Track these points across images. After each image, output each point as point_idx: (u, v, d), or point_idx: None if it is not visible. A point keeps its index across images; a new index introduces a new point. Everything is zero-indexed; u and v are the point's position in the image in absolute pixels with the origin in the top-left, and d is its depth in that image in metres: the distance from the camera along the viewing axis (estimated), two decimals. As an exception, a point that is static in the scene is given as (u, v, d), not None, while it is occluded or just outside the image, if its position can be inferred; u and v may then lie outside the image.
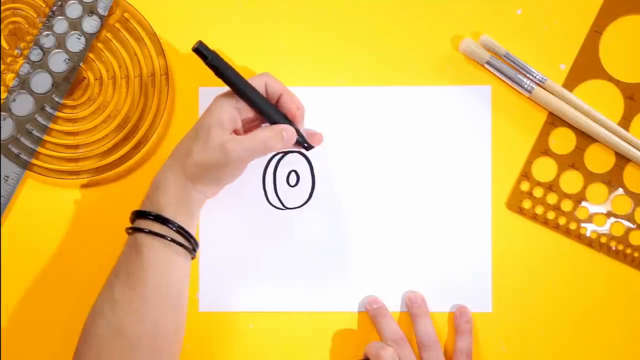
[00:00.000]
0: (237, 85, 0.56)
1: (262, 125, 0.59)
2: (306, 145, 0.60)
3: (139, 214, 0.56)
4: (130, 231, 0.56)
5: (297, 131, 0.58)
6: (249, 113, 0.57)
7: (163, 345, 0.54)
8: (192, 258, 0.58)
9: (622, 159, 0.63)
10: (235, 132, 0.57)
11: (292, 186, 0.63)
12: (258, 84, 0.57)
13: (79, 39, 0.62)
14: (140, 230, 0.55)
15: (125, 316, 0.53)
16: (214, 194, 0.59)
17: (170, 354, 0.55)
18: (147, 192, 0.57)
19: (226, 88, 0.57)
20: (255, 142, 0.55)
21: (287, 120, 0.58)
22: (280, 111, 0.58)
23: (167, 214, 0.55)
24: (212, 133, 0.55)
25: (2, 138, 0.62)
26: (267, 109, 0.57)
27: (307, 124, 0.63)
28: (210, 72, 0.64)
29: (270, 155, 0.62)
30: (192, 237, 0.56)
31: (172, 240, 0.55)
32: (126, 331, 0.53)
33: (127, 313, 0.53)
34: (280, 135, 0.56)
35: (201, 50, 0.55)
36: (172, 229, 0.55)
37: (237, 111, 0.56)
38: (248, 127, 0.59)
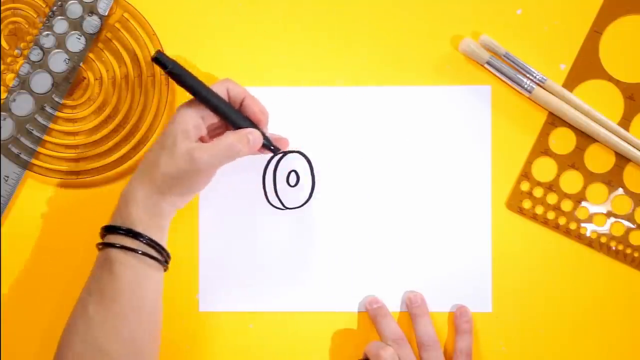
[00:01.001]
0: (199, 92, 0.56)
1: (228, 131, 0.58)
2: (272, 148, 0.59)
3: (108, 229, 0.55)
4: (100, 247, 0.55)
5: (263, 135, 0.57)
6: (213, 119, 0.57)
7: (142, 358, 0.54)
8: (165, 270, 0.57)
9: (622, 159, 0.63)
10: (201, 139, 0.57)
11: (292, 186, 0.63)
12: (220, 90, 0.57)
13: (79, 39, 0.62)
14: (112, 245, 0.54)
15: (101, 334, 0.53)
16: (184, 204, 0.58)
17: None
18: (117, 207, 0.56)
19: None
20: (221, 148, 0.55)
21: (252, 124, 0.57)
22: (244, 115, 0.57)
23: (138, 227, 0.54)
24: (178, 142, 0.54)
25: (2, 138, 0.62)
26: (230, 114, 0.57)
27: (309, 125, 0.63)
28: (210, 72, 0.64)
29: (269, 155, 0.62)
30: (163, 249, 0.56)
31: (144, 254, 0.54)
32: (104, 348, 0.52)
33: (103, 330, 0.53)
34: (245, 138, 0.56)
35: (160, 59, 0.55)
36: (143, 242, 0.54)
37: (202, 119, 0.56)
38: (214, 134, 0.58)
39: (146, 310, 0.55)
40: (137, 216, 0.55)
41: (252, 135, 0.56)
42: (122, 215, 0.55)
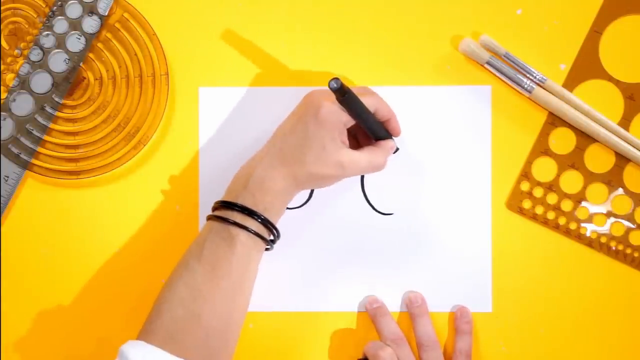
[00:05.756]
0: (362, 116, 0.57)
1: (373, 147, 0.59)
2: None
3: (232, 206, 0.55)
4: (223, 221, 0.55)
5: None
6: (351, 122, 0.57)
7: (231, 335, 0.55)
8: (269, 250, 0.58)
9: (622, 159, 0.63)
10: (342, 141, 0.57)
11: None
12: (370, 105, 0.57)
13: (79, 39, 0.62)
14: (238, 224, 0.54)
15: (204, 305, 0.53)
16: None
17: (234, 343, 0.56)
18: (247, 184, 0.56)
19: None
20: (370, 161, 0.57)
21: (388, 134, 0.60)
22: (385, 128, 0.59)
23: (271, 216, 0.56)
24: (328, 148, 0.55)
25: (2, 138, 0.62)
26: (377, 130, 0.59)
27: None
28: (210, 72, 0.64)
29: None
30: (278, 231, 0.57)
31: (262, 237, 0.55)
32: (203, 319, 0.53)
33: (206, 302, 0.53)
34: (389, 153, 0.59)
35: (342, 88, 0.53)
36: (261, 223, 0.55)
37: (344, 125, 0.57)
38: (348, 134, 0.59)
39: (247, 290, 0.56)
40: (273, 205, 0.56)
41: (392, 149, 0.60)
42: (255, 197, 0.55)
